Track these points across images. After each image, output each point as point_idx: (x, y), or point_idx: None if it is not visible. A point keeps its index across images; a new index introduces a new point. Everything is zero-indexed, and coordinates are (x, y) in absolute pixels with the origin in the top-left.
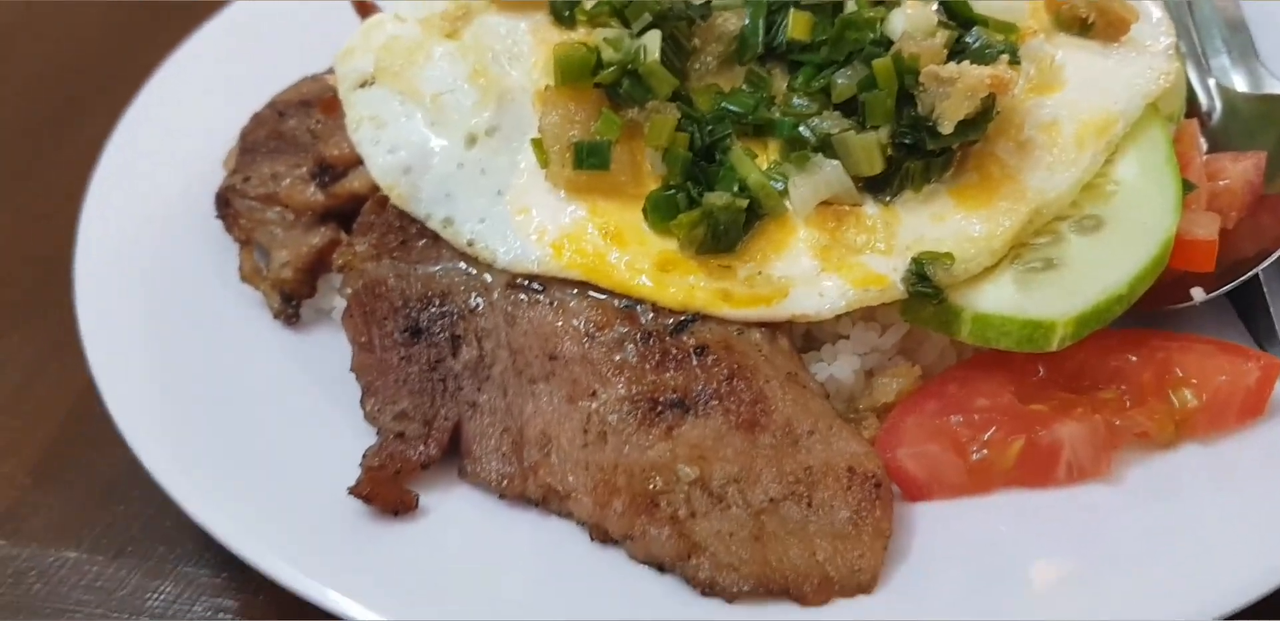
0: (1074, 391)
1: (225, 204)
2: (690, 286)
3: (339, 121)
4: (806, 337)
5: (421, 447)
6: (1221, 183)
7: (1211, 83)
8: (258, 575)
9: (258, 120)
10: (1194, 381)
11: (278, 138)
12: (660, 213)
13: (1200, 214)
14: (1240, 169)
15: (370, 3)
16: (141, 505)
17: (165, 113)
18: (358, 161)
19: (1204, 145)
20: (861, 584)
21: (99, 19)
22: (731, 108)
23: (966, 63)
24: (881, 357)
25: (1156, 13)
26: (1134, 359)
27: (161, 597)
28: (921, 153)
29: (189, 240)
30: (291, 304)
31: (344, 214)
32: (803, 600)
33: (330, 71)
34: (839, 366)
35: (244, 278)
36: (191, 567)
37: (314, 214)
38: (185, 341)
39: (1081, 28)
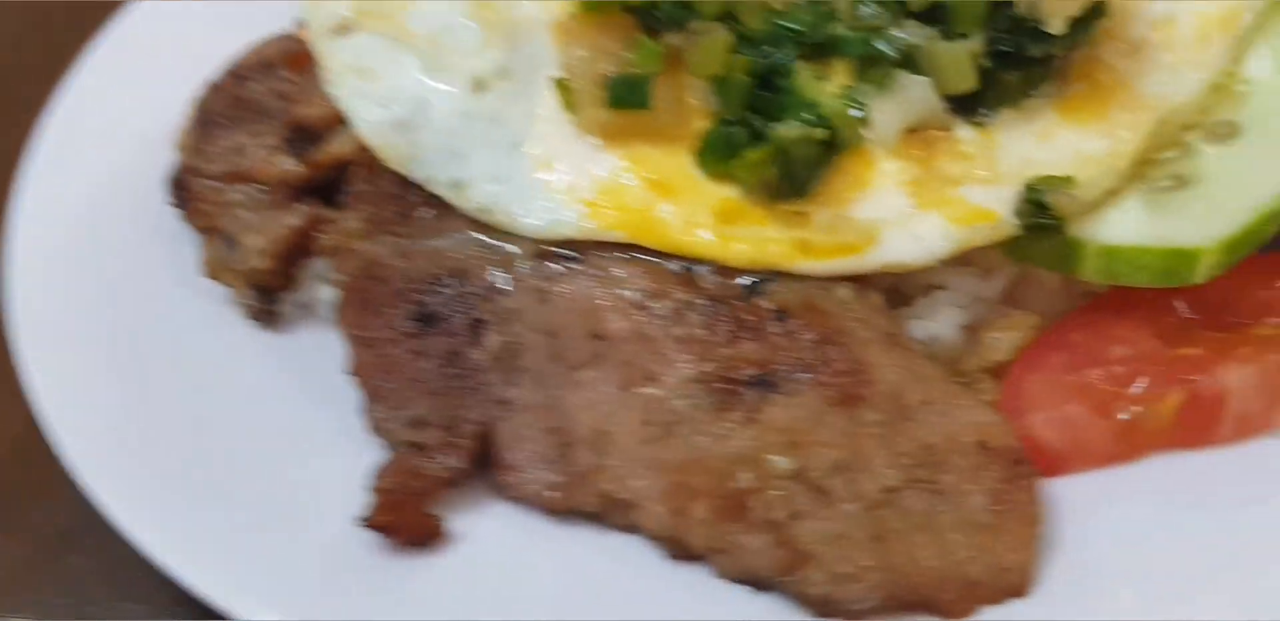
0: (1222, 330)
1: (181, 187)
2: (760, 239)
3: (313, 78)
4: (891, 293)
5: (446, 460)
6: None
7: None
8: None
9: (214, 89)
10: None
11: (239, 106)
12: (718, 153)
13: None
14: None
15: None
16: (103, 555)
17: (100, 96)
18: (339, 121)
19: None
20: (1013, 586)
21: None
22: (789, 25)
23: None
24: (985, 309)
25: None
26: None
27: None
28: (1019, 62)
29: (139, 236)
30: (268, 300)
31: (324, 187)
32: (943, 611)
33: (297, 28)
34: (941, 321)
35: (209, 273)
36: None
37: (290, 189)
38: (145, 356)
39: None
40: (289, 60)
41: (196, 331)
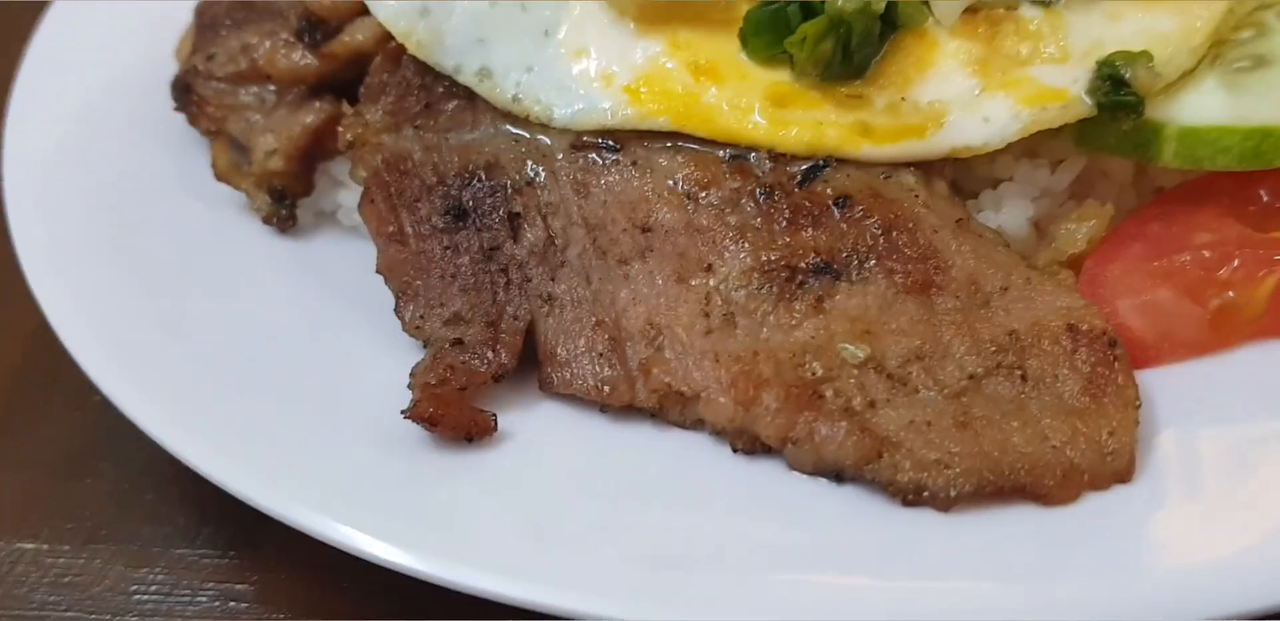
0: None
1: (186, 90)
2: (817, 123)
3: None
4: (953, 187)
5: (490, 354)
6: None
7: None
8: (275, 551)
9: None
10: None
11: (244, 8)
12: (767, 33)
13: None
14: None
15: None
16: (113, 478)
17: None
18: (355, 12)
19: None
20: (1118, 470)
21: None
22: None
23: None
24: (1053, 203)
25: None
26: None
27: (153, 590)
28: None
29: (142, 144)
30: (285, 203)
31: (341, 83)
32: (1045, 497)
33: None
34: (1008, 214)
35: (220, 175)
36: (187, 549)
37: (304, 86)
38: (157, 263)
39: None
40: None
41: (210, 236)
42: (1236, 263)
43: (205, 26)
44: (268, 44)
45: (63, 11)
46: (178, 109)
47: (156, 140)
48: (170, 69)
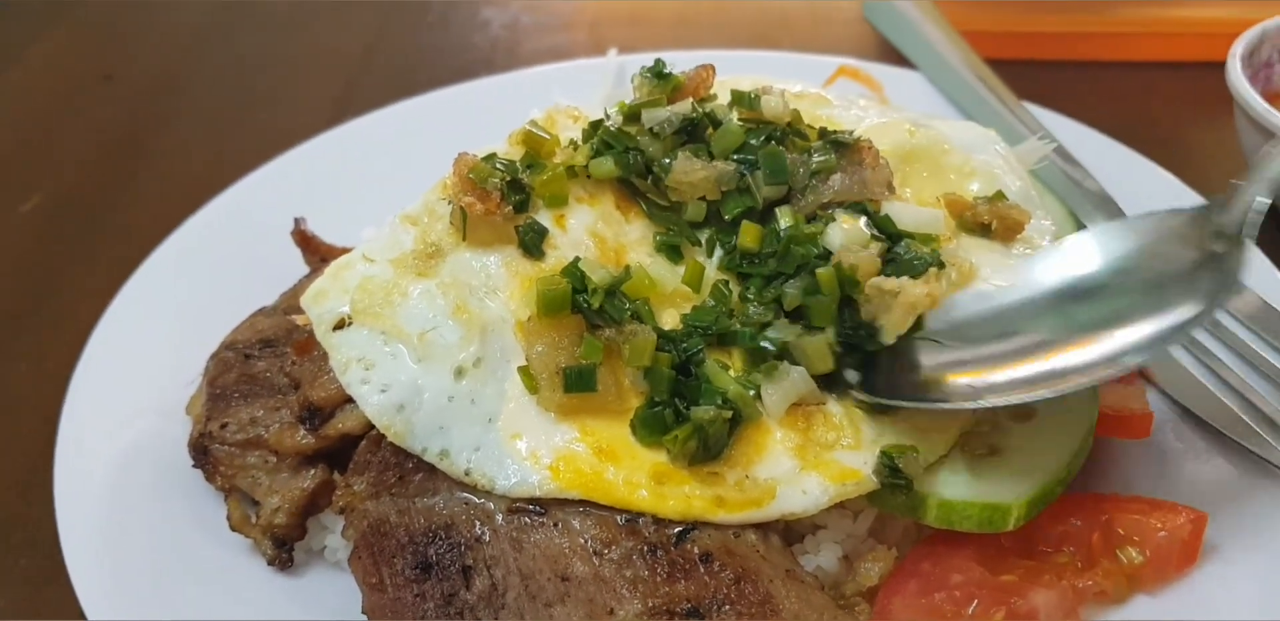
0: (1030, 557)
1: (203, 452)
2: (686, 496)
3: (316, 362)
4: (785, 531)
5: None
6: None
7: None
8: None
9: (223, 364)
10: (1136, 539)
11: (249, 381)
12: (649, 428)
13: (1132, 388)
14: None
15: (312, 235)
16: None
17: (111, 367)
18: (343, 401)
19: None
20: None
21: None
22: (697, 323)
23: (906, 278)
24: (857, 542)
25: (1040, 212)
26: (1078, 523)
27: None
28: (863, 350)
29: (168, 493)
30: (285, 548)
31: (330, 453)
32: None
33: (281, 305)
34: (824, 556)
35: (234, 527)
36: None
37: (302, 456)
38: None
39: (983, 231)
40: (295, 345)
41: (222, 578)
42: (976, 602)
43: (217, 396)
44: (274, 422)
45: (91, 364)
46: (196, 466)
47: (183, 490)
48: (185, 423)
